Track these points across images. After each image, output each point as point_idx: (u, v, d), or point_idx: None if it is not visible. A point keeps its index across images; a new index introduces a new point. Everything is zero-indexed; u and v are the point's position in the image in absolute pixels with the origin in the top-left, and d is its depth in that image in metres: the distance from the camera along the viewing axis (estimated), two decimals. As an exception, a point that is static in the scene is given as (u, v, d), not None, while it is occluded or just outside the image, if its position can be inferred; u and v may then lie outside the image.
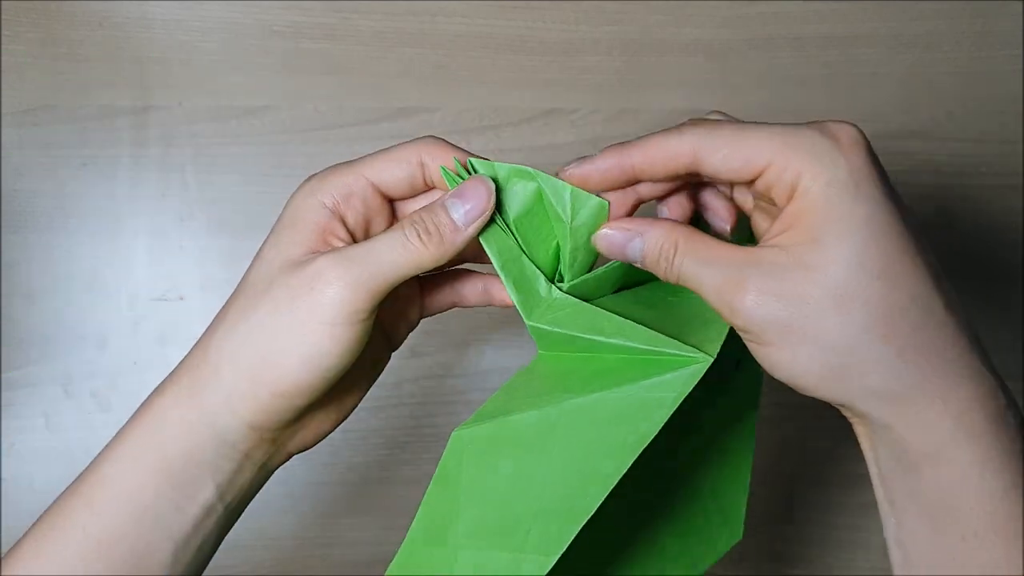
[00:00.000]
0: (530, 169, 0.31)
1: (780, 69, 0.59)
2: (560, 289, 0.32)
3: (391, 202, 0.33)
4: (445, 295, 0.36)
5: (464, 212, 0.30)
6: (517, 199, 0.31)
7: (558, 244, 0.32)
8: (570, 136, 0.58)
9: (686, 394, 0.28)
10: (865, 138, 0.28)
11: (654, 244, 0.30)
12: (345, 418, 0.35)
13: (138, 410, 0.31)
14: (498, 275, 0.31)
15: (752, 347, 0.28)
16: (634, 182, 0.30)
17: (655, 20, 0.58)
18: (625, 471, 0.27)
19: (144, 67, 0.56)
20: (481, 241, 0.31)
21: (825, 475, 0.62)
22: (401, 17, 0.57)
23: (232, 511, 0.33)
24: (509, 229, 0.32)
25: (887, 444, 0.28)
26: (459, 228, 0.30)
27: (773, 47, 0.59)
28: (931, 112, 0.60)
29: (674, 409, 0.28)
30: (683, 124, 0.29)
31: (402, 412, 0.58)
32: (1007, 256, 0.61)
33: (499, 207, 0.31)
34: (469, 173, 0.31)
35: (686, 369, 0.28)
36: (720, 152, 0.28)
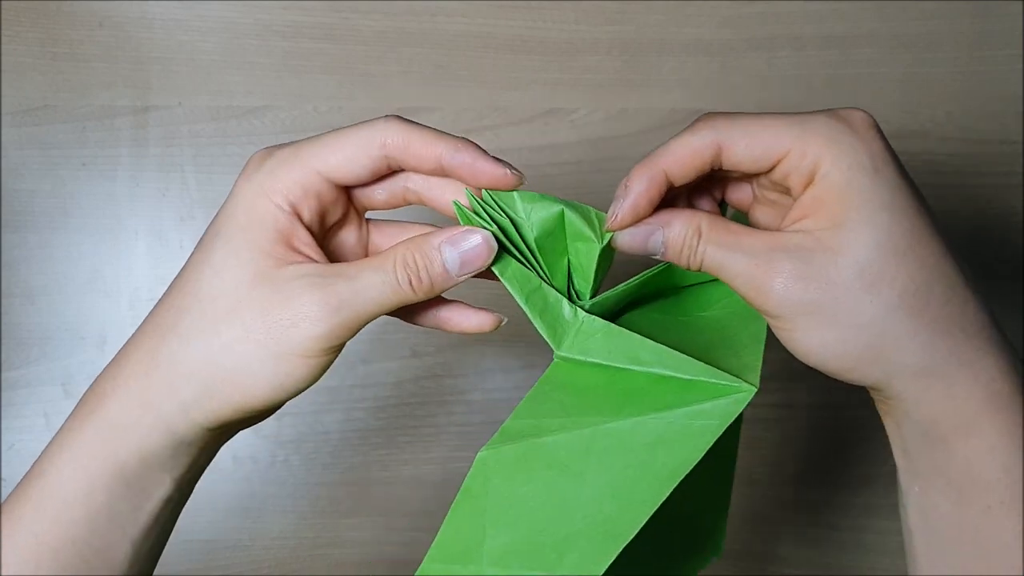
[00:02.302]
0: (552, 197, 0.31)
1: (780, 69, 0.59)
2: (583, 309, 0.31)
3: (346, 188, 0.31)
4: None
5: (459, 265, 0.29)
6: (539, 221, 0.31)
7: (569, 261, 0.32)
8: (570, 136, 0.58)
9: (730, 423, 0.28)
10: (876, 122, 0.28)
11: (677, 233, 0.29)
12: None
13: (80, 413, 0.30)
14: (522, 309, 0.30)
15: (783, 334, 0.28)
16: (670, 189, 0.30)
17: (655, 20, 0.58)
18: (665, 497, 0.27)
19: (144, 67, 0.56)
20: (501, 279, 0.30)
21: (826, 475, 0.62)
22: (401, 17, 0.57)
23: (186, 492, 0.32)
24: (528, 255, 0.31)
25: (916, 420, 0.28)
26: (451, 278, 0.29)
27: (773, 47, 0.59)
28: (931, 112, 0.60)
29: (716, 438, 0.28)
30: (696, 121, 0.29)
31: (402, 412, 0.58)
32: (1007, 256, 0.61)
33: (518, 232, 0.31)
34: (487, 202, 0.30)
35: (728, 398, 0.28)
36: (741, 143, 0.28)
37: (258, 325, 0.28)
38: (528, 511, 0.28)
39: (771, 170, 0.29)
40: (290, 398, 0.30)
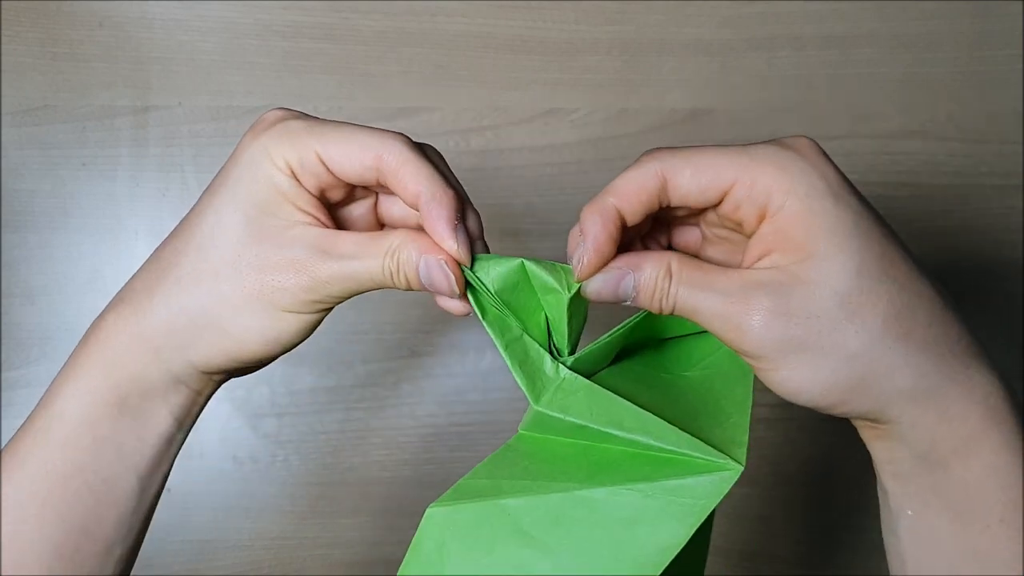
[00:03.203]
0: (510, 257, 0.30)
1: (780, 69, 0.59)
2: (565, 365, 0.30)
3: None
4: None
5: (429, 284, 0.29)
6: (498, 276, 0.30)
7: (546, 316, 0.31)
8: (570, 136, 0.58)
9: (716, 504, 0.26)
10: (821, 147, 0.28)
11: (648, 276, 0.28)
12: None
13: (83, 346, 0.31)
14: (502, 357, 0.30)
15: (766, 375, 0.27)
16: (624, 231, 0.29)
17: (655, 20, 0.58)
18: None
19: (144, 67, 0.56)
20: (484, 324, 0.30)
21: (826, 476, 0.62)
22: (401, 17, 0.57)
23: (185, 431, 0.33)
24: (506, 309, 0.30)
25: (912, 443, 0.28)
26: (423, 287, 0.30)
27: (773, 47, 0.59)
28: (931, 112, 0.60)
29: (704, 518, 0.26)
30: (640, 157, 0.29)
31: (402, 412, 0.58)
32: (1007, 256, 0.61)
33: (490, 288, 0.30)
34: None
35: (713, 475, 0.26)
36: (686, 172, 0.27)
37: (253, 280, 0.29)
38: None
39: (719, 203, 0.28)
40: (280, 352, 0.31)
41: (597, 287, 0.29)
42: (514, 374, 0.29)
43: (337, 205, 0.32)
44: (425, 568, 0.26)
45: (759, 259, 0.27)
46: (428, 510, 0.26)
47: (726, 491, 0.26)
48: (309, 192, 0.30)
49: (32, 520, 0.30)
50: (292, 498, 0.57)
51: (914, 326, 0.26)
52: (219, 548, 0.57)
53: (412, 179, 0.29)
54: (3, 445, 0.32)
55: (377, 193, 0.33)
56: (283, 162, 0.29)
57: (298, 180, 0.30)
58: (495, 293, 0.30)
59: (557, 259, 0.31)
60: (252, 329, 0.30)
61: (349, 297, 0.30)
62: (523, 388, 0.29)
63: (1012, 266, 0.61)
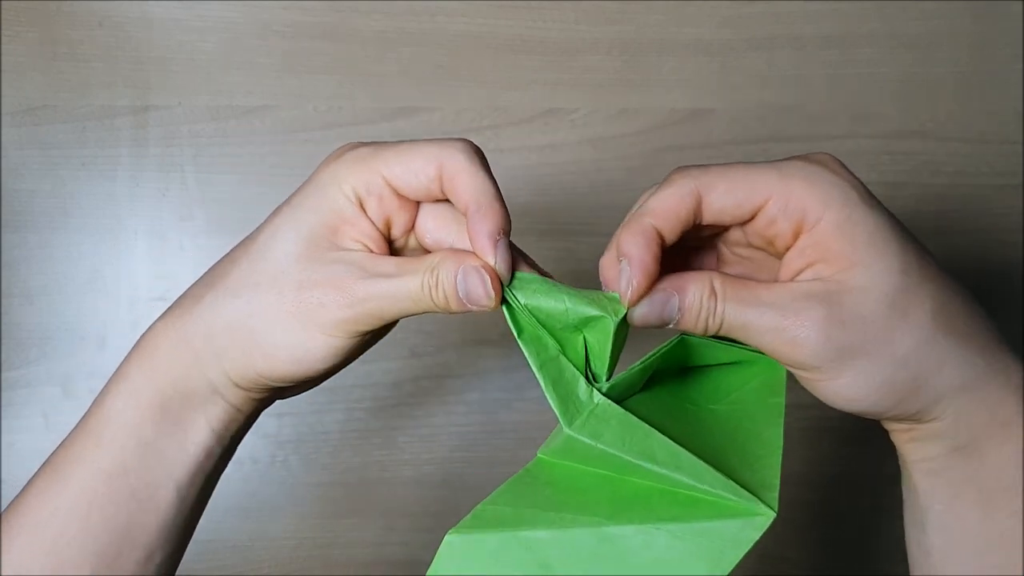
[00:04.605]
0: (552, 283, 0.30)
1: (780, 69, 0.59)
2: (599, 391, 0.29)
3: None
4: None
5: (466, 296, 0.29)
6: (539, 300, 0.30)
7: (585, 340, 0.30)
8: (570, 136, 0.58)
9: (747, 551, 0.25)
10: (840, 160, 0.29)
11: (693, 296, 0.28)
12: (335, 372, 0.33)
13: (135, 349, 0.32)
14: (535, 375, 0.29)
15: (821, 385, 0.27)
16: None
17: (655, 20, 0.58)
18: None
19: (144, 67, 0.56)
20: (519, 342, 0.29)
21: (830, 477, 0.62)
22: (401, 17, 0.57)
23: (226, 455, 0.34)
24: (542, 328, 0.30)
25: (953, 436, 0.28)
26: (464, 305, 0.29)
27: (773, 47, 0.59)
28: (931, 112, 0.60)
29: (734, 567, 0.25)
30: (671, 175, 0.29)
31: (402, 412, 0.58)
32: (1007, 256, 0.61)
33: (527, 306, 0.30)
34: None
35: (743, 520, 0.25)
36: (720, 187, 0.27)
37: (291, 297, 0.29)
38: None
39: (751, 219, 0.28)
40: (311, 376, 0.31)
41: (644, 312, 0.29)
42: (547, 395, 0.28)
43: (404, 236, 0.32)
44: None
45: (800, 272, 0.28)
46: (447, 537, 0.26)
47: (757, 538, 0.25)
48: (371, 221, 0.30)
49: (80, 521, 0.30)
50: (292, 498, 0.57)
51: (956, 321, 0.27)
52: (219, 548, 0.57)
53: (465, 188, 0.29)
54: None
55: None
56: (350, 188, 0.30)
57: (363, 208, 0.30)
58: (532, 312, 0.29)
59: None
60: (281, 346, 0.30)
61: (385, 323, 0.30)
62: (556, 410, 0.28)
63: (1012, 266, 0.61)
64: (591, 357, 0.30)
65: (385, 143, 0.30)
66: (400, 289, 0.29)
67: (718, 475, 0.26)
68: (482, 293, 0.29)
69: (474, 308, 0.29)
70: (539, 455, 0.29)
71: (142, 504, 0.31)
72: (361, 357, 0.32)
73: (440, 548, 0.26)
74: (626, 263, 0.28)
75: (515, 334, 0.29)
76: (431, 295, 0.29)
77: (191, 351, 0.31)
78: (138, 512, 0.31)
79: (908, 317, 0.27)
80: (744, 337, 0.28)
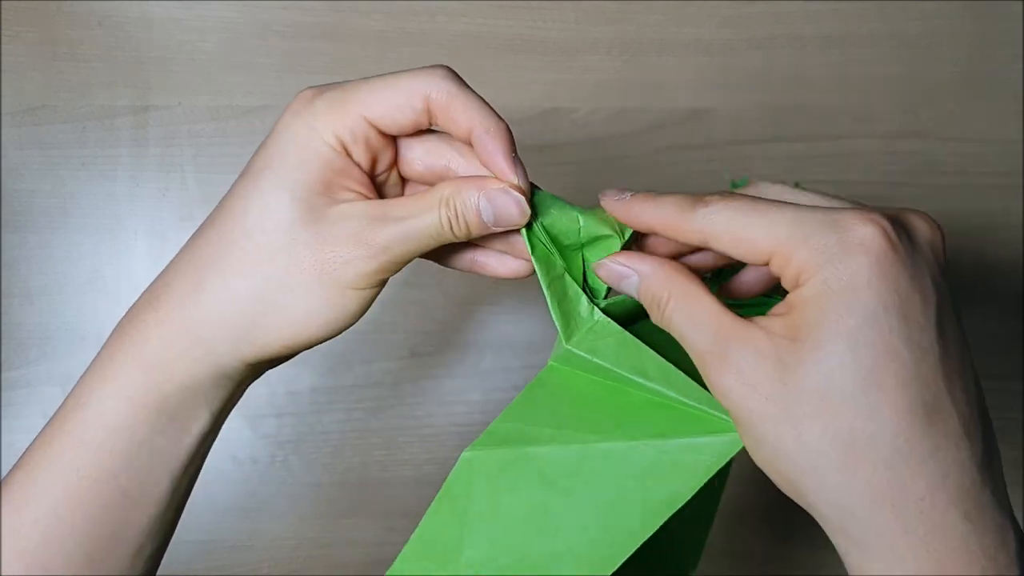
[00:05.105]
0: (562, 200, 0.31)
1: (780, 69, 0.59)
2: (599, 308, 0.31)
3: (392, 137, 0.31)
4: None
5: (493, 218, 0.29)
6: (552, 216, 0.31)
7: (583, 258, 0.32)
8: (570, 136, 0.58)
9: (722, 464, 0.27)
10: (886, 238, 0.24)
11: (647, 288, 0.29)
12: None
13: (118, 344, 0.30)
14: (543, 292, 0.30)
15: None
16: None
17: (655, 20, 0.58)
18: (653, 531, 0.27)
19: (144, 67, 0.56)
20: (533, 260, 0.30)
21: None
22: (401, 17, 0.57)
23: (217, 430, 0.33)
24: (552, 246, 0.31)
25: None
26: (487, 227, 0.29)
27: (773, 47, 0.59)
28: (931, 112, 0.60)
29: (709, 477, 0.27)
30: (703, 198, 0.27)
31: (402, 412, 0.58)
32: (1007, 256, 0.61)
33: (541, 224, 0.31)
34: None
35: (726, 436, 0.27)
36: (723, 239, 0.26)
37: (311, 261, 0.28)
38: (510, 522, 0.28)
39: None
40: (336, 334, 0.30)
41: (605, 272, 0.30)
42: (551, 310, 0.30)
43: (386, 172, 0.31)
44: (452, 504, 0.28)
45: (776, 316, 0.26)
46: (463, 454, 0.28)
47: (734, 452, 0.27)
48: (359, 166, 0.29)
49: (64, 525, 0.29)
50: (292, 498, 0.57)
51: (861, 462, 0.24)
52: (218, 548, 0.57)
53: (463, 113, 0.28)
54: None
55: (396, 140, 0.32)
56: (333, 137, 0.29)
57: (349, 154, 0.29)
58: (546, 228, 0.30)
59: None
60: (314, 311, 0.29)
61: (407, 263, 0.30)
62: (558, 325, 0.30)
63: (1012, 266, 0.61)
64: (590, 275, 0.32)
65: (348, 83, 0.30)
66: (419, 228, 0.29)
67: (704, 391, 0.28)
68: (516, 212, 0.29)
69: (498, 229, 0.29)
70: (550, 362, 0.31)
71: (133, 503, 0.29)
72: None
73: (456, 464, 0.28)
74: (628, 195, 0.29)
75: (529, 251, 0.30)
76: (451, 227, 0.29)
77: (198, 342, 0.29)
78: (128, 510, 0.29)
79: (803, 425, 0.24)
80: (680, 342, 0.28)
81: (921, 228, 0.26)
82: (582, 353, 0.30)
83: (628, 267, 0.29)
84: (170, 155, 0.56)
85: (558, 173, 0.58)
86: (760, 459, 0.26)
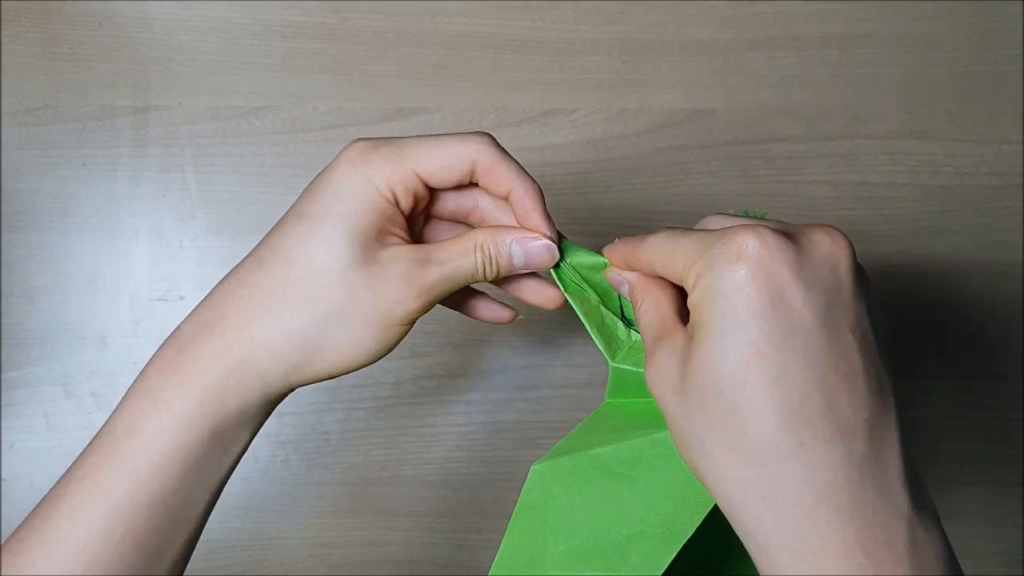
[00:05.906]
0: (587, 250, 0.36)
1: (780, 69, 0.59)
2: (635, 331, 0.35)
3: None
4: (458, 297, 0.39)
5: (524, 260, 0.34)
6: (579, 260, 0.36)
7: (619, 297, 0.36)
8: (570, 136, 0.58)
9: None
10: (764, 247, 0.25)
11: (631, 292, 0.33)
12: None
13: (169, 371, 0.31)
14: (582, 323, 0.35)
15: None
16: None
17: (655, 20, 0.58)
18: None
19: (144, 67, 0.56)
20: (566, 295, 0.35)
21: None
22: (401, 17, 0.57)
23: (250, 444, 0.35)
24: (584, 283, 0.36)
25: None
26: (515, 268, 0.34)
27: (773, 47, 0.59)
28: (931, 112, 0.60)
29: None
30: (653, 232, 0.31)
31: (402, 412, 0.58)
32: (1007, 256, 0.61)
33: (570, 263, 0.36)
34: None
35: None
36: (657, 263, 0.30)
37: (367, 299, 0.32)
38: (587, 516, 0.31)
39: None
40: (372, 363, 0.34)
41: (608, 277, 0.35)
42: (592, 336, 0.34)
43: (414, 216, 0.35)
44: (530, 514, 0.31)
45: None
46: (533, 467, 0.31)
47: None
48: (403, 213, 0.33)
49: (113, 547, 0.30)
50: (292, 498, 0.57)
51: (735, 452, 0.25)
52: (219, 548, 0.57)
53: (504, 176, 0.33)
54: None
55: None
56: (388, 190, 0.32)
57: (397, 203, 0.33)
58: (575, 267, 0.35)
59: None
60: (363, 344, 0.33)
61: (441, 300, 0.34)
62: (601, 348, 0.34)
63: (1012, 266, 0.61)
64: (624, 305, 0.36)
65: (399, 139, 0.33)
66: (458, 271, 0.33)
67: None
68: (547, 255, 0.34)
69: (526, 270, 0.35)
70: (606, 399, 0.35)
71: (177, 523, 0.31)
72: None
73: (528, 477, 0.31)
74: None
75: (561, 288, 0.35)
76: (485, 268, 0.34)
77: (256, 373, 0.31)
78: (172, 530, 0.31)
79: (690, 415, 0.27)
80: None
81: (818, 241, 0.26)
82: (627, 367, 0.33)
83: (620, 276, 0.34)
84: (170, 155, 0.56)
85: (558, 173, 0.58)
86: (677, 448, 0.28)
